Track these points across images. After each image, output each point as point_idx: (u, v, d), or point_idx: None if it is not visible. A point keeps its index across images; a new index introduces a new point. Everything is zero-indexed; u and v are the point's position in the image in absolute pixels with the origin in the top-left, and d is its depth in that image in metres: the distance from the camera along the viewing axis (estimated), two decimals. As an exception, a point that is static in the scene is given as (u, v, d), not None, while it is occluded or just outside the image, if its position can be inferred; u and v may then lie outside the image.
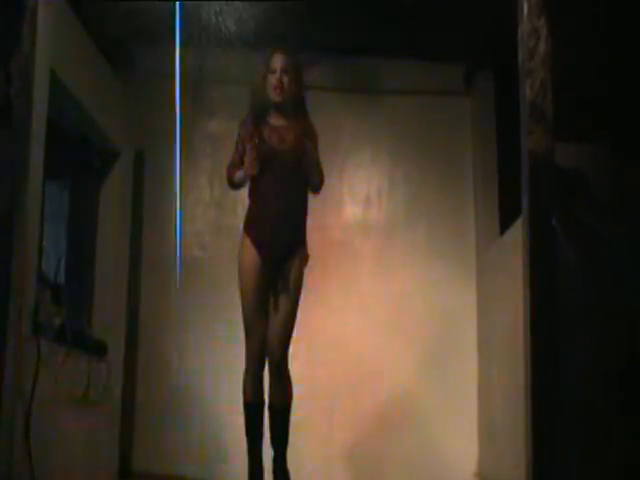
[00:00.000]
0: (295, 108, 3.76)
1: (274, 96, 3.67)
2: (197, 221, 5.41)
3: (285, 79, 3.67)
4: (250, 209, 3.75)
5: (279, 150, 3.66)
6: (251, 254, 3.64)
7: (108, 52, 4.69)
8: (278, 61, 3.68)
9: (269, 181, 3.65)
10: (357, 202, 5.52)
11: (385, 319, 5.32)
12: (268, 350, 3.66)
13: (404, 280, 5.39)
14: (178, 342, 5.19)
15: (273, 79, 3.66)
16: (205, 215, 5.42)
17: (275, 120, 3.74)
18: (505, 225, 4.88)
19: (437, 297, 5.38)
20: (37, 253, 3.61)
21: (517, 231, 3.85)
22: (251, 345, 3.62)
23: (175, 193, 5.38)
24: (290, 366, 3.73)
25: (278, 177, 3.64)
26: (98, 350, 4.46)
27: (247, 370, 3.66)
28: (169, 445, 5.04)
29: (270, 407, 3.67)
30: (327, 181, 5.37)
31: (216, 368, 5.05)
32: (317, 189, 3.82)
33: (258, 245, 3.63)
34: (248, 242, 3.66)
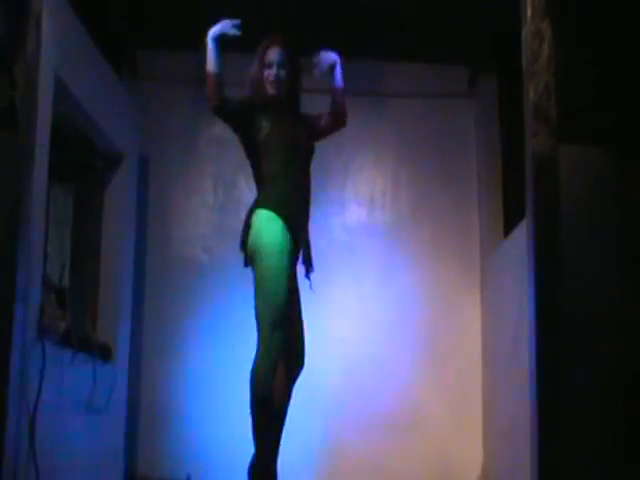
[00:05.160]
0: (291, 103, 3.72)
1: (270, 90, 3.63)
2: (201, 224, 5.42)
3: (282, 73, 3.63)
4: (273, 186, 3.55)
5: (292, 131, 3.60)
6: (282, 231, 3.42)
7: (112, 56, 4.69)
8: (274, 55, 3.63)
9: (286, 160, 3.57)
10: (361, 204, 5.52)
11: (389, 321, 5.32)
12: (293, 348, 3.51)
13: (408, 282, 5.39)
14: (183, 346, 5.19)
15: (270, 74, 3.62)
16: (209, 219, 5.42)
17: (274, 108, 3.67)
18: (509, 227, 4.88)
19: (441, 299, 5.38)
20: (42, 257, 3.61)
21: (521, 233, 3.85)
22: (279, 338, 3.34)
23: (180, 196, 5.40)
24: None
25: (292, 158, 3.58)
26: (103, 354, 4.46)
27: (271, 366, 3.36)
28: (174, 450, 5.04)
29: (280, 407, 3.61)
30: (331, 183, 5.44)
31: (222, 372, 5.05)
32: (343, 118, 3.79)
33: (287, 220, 3.45)
34: (276, 217, 3.43)
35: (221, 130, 5.47)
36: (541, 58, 3.18)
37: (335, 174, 5.46)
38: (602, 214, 3.25)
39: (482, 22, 4.86)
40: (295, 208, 3.54)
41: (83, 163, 4.79)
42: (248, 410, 3.48)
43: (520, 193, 3.51)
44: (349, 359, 5.21)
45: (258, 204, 3.53)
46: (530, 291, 3.20)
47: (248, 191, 5.17)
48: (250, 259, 3.51)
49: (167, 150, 5.45)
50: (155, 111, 5.41)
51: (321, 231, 5.29)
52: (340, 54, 5.39)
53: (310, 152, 3.70)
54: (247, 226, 3.53)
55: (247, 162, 5.30)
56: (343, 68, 3.72)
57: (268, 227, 3.44)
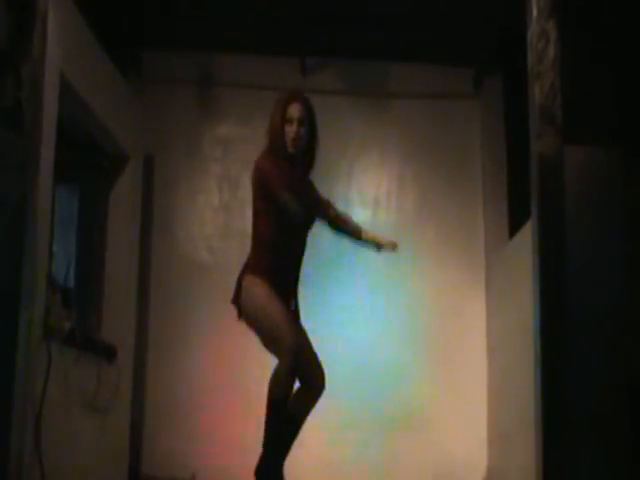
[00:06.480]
0: (308, 161, 3.72)
1: (291, 148, 3.62)
2: (206, 225, 5.42)
3: (302, 131, 3.62)
4: (266, 253, 3.60)
5: (300, 199, 3.61)
6: (268, 291, 3.52)
7: (117, 56, 4.70)
8: (295, 111, 3.58)
9: (292, 229, 3.61)
10: (366, 205, 5.52)
11: (394, 322, 5.31)
12: (312, 371, 3.63)
13: (413, 283, 5.39)
14: (188, 345, 5.20)
15: (290, 131, 3.61)
16: (214, 219, 5.43)
17: (292, 170, 3.65)
18: (514, 228, 4.88)
19: (446, 300, 5.38)
20: (47, 257, 3.62)
21: (526, 234, 3.84)
22: (290, 343, 3.42)
23: (184, 197, 5.41)
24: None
25: (294, 227, 3.60)
26: (108, 353, 4.47)
27: (287, 372, 3.42)
28: (178, 448, 5.04)
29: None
30: (336, 183, 5.44)
31: (226, 371, 5.05)
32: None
33: (277, 287, 3.53)
34: (262, 283, 3.53)
35: (226, 131, 5.51)
36: (546, 58, 3.18)
37: (340, 174, 5.47)
38: (607, 215, 3.25)
39: (487, 23, 4.86)
40: (284, 275, 3.59)
41: (88, 163, 4.80)
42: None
43: (525, 194, 3.51)
44: (354, 359, 5.20)
45: (248, 269, 3.60)
46: (535, 292, 3.20)
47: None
48: (245, 318, 3.61)
49: (172, 150, 5.46)
50: (160, 111, 5.42)
51: (326, 232, 5.30)
52: (346, 55, 5.44)
53: (312, 220, 3.71)
54: (238, 286, 3.61)
55: (252, 162, 5.36)
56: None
57: (254, 291, 3.54)
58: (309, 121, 3.63)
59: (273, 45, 5.35)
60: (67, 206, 4.74)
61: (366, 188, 5.55)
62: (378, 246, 3.81)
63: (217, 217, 5.43)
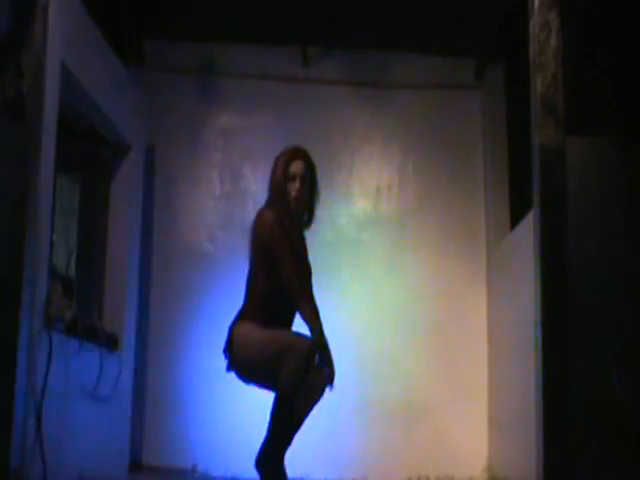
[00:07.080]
0: (307, 219, 3.71)
1: (293, 205, 3.61)
2: (207, 214, 5.42)
3: (304, 189, 3.62)
4: (262, 302, 3.56)
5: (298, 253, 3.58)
6: (264, 329, 3.50)
7: (120, 47, 4.70)
8: (298, 168, 3.56)
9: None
10: (368, 196, 5.51)
11: (396, 312, 5.32)
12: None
13: (415, 274, 5.39)
14: (189, 335, 5.21)
15: (293, 189, 3.60)
16: (215, 208, 5.43)
17: (293, 230, 3.63)
18: (516, 219, 4.87)
19: (448, 291, 5.38)
20: (48, 247, 3.62)
21: (528, 225, 3.85)
22: (302, 342, 3.43)
23: (186, 186, 5.42)
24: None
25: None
26: (109, 343, 4.47)
27: (303, 365, 3.41)
28: (180, 438, 5.06)
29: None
30: (337, 174, 5.44)
31: (226, 361, 5.06)
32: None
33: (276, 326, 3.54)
34: (258, 326, 3.50)
35: (227, 120, 5.50)
36: (548, 49, 3.17)
37: (342, 166, 5.46)
38: (609, 206, 3.25)
39: (489, 13, 4.84)
40: (280, 324, 3.55)
41: (90, 153, 4.80)
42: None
43: (527, 184, 3.50)
44: (356, 350, 5.21)
45: (242, 319, 3.56)
46: (536, 283, 3.20)
47: (254, 181, 5.18)
48: (239, 365, 3.57)
49: (173, 140, 5.46)
50: (161, 101, 5.41)
51: (327, 223, 5.31)
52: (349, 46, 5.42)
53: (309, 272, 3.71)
54: (230, 336, 3.57)
55: (253, 152, 5.38)
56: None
57: (249, 332, 3.49)
58: (311, 179, 3.62)
59: (275, 35, 5.35)
60: (68, 196, 4.74)
61: (368, 179, 5.54)
62: (324, 360, 3.58)
63: (218, 206, 5.43)
